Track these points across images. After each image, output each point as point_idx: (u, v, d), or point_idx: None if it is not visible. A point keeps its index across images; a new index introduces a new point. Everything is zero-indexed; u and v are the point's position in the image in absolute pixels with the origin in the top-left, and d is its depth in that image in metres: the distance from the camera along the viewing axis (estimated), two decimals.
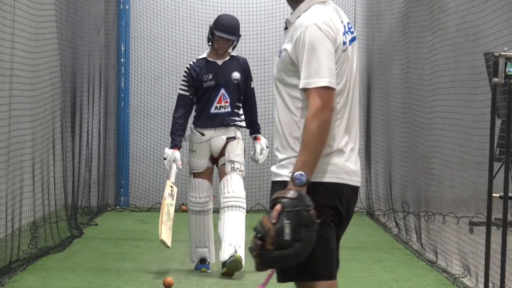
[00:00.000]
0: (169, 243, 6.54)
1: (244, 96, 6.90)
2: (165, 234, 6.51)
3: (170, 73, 11.29)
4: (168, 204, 6.68)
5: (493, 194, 5.59)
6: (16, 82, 7.14)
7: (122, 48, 11.43)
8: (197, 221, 6.82)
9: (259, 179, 11.47)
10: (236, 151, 6.80)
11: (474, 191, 7.04)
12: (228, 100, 6.79)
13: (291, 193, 3.03)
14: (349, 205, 3.23)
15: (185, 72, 6.84)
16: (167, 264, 7.21)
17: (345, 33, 3.23)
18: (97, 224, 9.66)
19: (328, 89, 3.10)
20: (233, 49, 6.86)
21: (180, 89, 6.87)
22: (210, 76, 6.75)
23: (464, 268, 6.75)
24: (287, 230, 2.93)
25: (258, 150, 7.05)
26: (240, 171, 6.79)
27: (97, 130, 10.59)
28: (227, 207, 6.62)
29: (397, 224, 9.26)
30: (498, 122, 6.08)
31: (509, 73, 5.20)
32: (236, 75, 6.80)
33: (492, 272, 5.74)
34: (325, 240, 3.12)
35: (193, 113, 6.95)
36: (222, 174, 6.78)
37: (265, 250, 2.95)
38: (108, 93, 10.97)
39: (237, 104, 6.86)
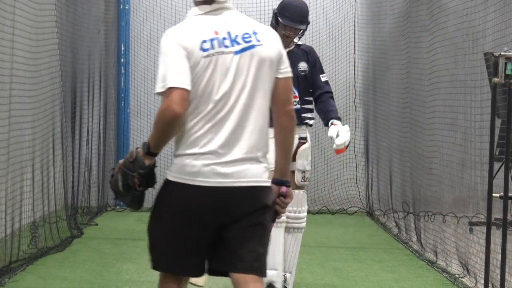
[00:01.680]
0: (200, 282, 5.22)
1: (314, 91, 5.96)
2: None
3: None
4: None
5: (493, 194, 5.59)
6: (16, 82, 7.14)
7: (122, 48, 11.44)
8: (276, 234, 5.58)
9: None
10: (308, 158, 5.93)
11: (474, 191, 7.04)
12: (297, 94, 5.87)
13: (130, 156, 3.52)
14: (227, 207, 3.39)
15: None
16: None
17: (221, 40, 3.42)
18: (97, 224, 9.66)
19: (172, 91, 3.33)
20: (299, 38, 5.90)
21: None
22: None
23: (464, 268, 6.75)
24: (119, 183, 3.49)
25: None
26: (308, 180, 5.94)
27: (97, 130, 10.59)
28: (290, 228, 5.83)
29: (397, 224, 9.26)
30: (498, 122, 6.08)
31: (509, 73, 5.20)
32: (303, 65, 5.91)
33: (492, 272, 5.75)
34: (165, 234, 3.45)
35: None
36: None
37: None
38: (108, 93, 10.97)
39: (306, 98, 5.93)
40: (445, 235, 7.55)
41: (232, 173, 3.41)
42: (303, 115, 5.86)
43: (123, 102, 11.46)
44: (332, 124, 5.83)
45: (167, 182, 3.46)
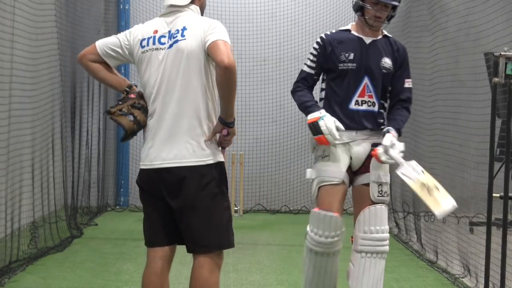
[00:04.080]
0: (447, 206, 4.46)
1: (392, 95, 4.93)
2: (438, 201, 4.46)
3: None
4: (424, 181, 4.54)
5: (493, 194, 5.59)
6: (16, 82, 7.13)
7: None
8: (316, 262, 4.90)
9: (259, 179, 11.48)
10: (385, 168, 4.84)
11: (474, 191, 7.04)
12: (373, 94, 4.85)
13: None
14: (157, 184, 4.03)
15: (317, 44, 4.92)
16: None
17: (158, 38, 3.99)
18: (97, 224, 9.66)
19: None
20: (388, 21, 4.94)
21: (305, 63, 4.96)
22: (351, 56, 4.84)
23: (464, 268, 6.74)
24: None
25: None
26: (387, 195, 4.88)
27: (97, 130, 10.60)
28: (368, 252, 4.80)
29: (397, 224, 9.25)
30: (498, 122, 6.07)
31: (509, 73, 5.20)
32: (387, 61, 4.87)
33: (492, 272, 5.75)
34: (144, 214, 4.29)
35: (320, 105, 4.94)
36: (362, 197, 4.88)
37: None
38: (108, 93, 10.97)
39: (382, 102, 4.90)
40: (445, 235, 7.55)
41: (157, 155, 4.00)
42: (379, 120, 4.86)
43: None
44: (388, 131, 4.71)
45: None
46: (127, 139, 4.19)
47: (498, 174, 6.07)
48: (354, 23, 5.02)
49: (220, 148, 4.06)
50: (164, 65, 3.96)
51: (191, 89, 3.93)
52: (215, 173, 3.99)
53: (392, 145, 4.64)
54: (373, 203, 4.79)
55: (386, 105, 4.92)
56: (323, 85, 4.96)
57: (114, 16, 11.35)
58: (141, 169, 4.11)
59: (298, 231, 9.55)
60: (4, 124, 6.75)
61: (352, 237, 4.87)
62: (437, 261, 7.39)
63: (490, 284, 5.79)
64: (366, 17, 4.87)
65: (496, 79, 5.30)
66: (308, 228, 4.87)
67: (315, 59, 4.90)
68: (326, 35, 4.93)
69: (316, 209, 4.86)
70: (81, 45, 9.62)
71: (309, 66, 4.93)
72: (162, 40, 3.98)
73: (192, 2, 4.08)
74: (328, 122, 4.70)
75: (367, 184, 4.81)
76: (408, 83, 4.93)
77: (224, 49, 3.84)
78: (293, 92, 4.98)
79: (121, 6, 11.53)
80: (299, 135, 11.63)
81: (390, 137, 4.66)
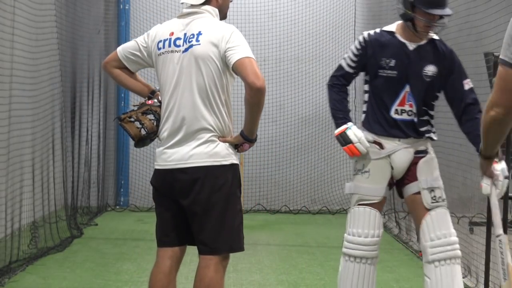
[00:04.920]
0: None
1: (456, 103, 4.69)
2: None
3: None
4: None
5: None
6: (16, 82, 7.13)
7: None
8: (355, 272, 4.66)
9: (259, 179, 11.48)
10: (434, 172, 4.68)
11: (475, 191, 7.04)
12: (413, 103, 4.64)
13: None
14: (171, 184, 3.99)
15: (358, 43, 4.71)
16: None
17: (173, 41, 3.98)
18: (97, 224, 9.65)
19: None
20: (442, 28, 4.65)
21: (344, 59, 4.77)
22: (392, 63, 4.62)
23: (465, 268, 6.74)
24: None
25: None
26: (443, 200, 4.67)
27: (97, 130, 10.60)
28: (440, 260, 4.58)
29: (398, 224, 9.25)
30: None
31: None
32: (430, 69, 4.63)
33: (492, 272, 5.74)
34: (156, 214, 4.15)
35: (363, 108, 4.82)
36: (418, 207, 4.67)
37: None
38: (108, 93, 10.97)
39: (425, 109, 4.70)
40: None
41: (170, 153, 3.99)
42: (421, 128, 4.67)
43: (123, 102, 11.45)
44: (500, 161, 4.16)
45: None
46: (139, 146, 4.18)
47: None
48: (398, 24, 4.72)
49: (235, 150, 4.07)
50: (179, 68, 3.95)
51: (205, 93, 3.93)
52: (230, 175, 3.98)
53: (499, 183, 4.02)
54: (430, 210, 4.61)
55: (432, 112, 4.74)
56: (366, 87, 4.76)
57: (114, 16, 11.35)
58: (155, 169, 4.10)
59: (298, 231, 9.57)
60: (4, 124, 6.75)
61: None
62: None
63: (490, 284, 5.79)
64: (417, 28, 4.59)
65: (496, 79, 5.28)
66: (345, 234, 4.71)
67: (356, 59, 4.70)
68: (369, 35, 4.70)
69: (356, 206, 4.71)
70: (81, 45, 9.64)
71: (348, 65, 4.73)
72: (178, 42, 3.98)
73: (207, 3, 4.03)
74: (357, 131, 4.64)
75: (419, 193, 4.64)
76: (467, 84, 4.67)
77: (253, 69, 3.83)
78: (330, 87, 4.77)
79: (121, 6, 11.53)
80: (299, 135, 11.64)
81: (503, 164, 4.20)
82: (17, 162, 7.25)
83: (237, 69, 3.87)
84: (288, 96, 11.64)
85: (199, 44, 3.92)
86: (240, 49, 3.87)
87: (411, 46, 4.64)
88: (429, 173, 4.63)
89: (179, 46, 3.96)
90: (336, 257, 7.88)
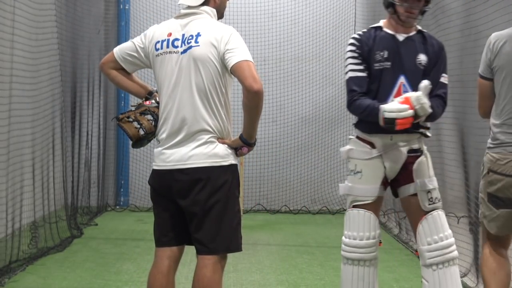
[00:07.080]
0: None
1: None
2: None
3: None
4: None
5: None
6: (16, 82, 7.13)
7: None
8: (354, 275, 4.65)
9: (259, 179, 11.48)
10: (429, 172, 4.62)
11: (475, 191, 7.03)
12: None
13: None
14: (169, 185, 3.99)
15: (352, 45, 4.62)
16: None
17: (171, 42, 3.97)
18: (97, 224, 9.66)
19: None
20: (422, 15, 4.64)
21: (350, 70, 4.62)
22: (386, 54, 4.59)
23: (465, 267, 6.74)
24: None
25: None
26: (439, 200, 4.61)
27: (97, 130, 10.60)
28: (438, 263, 4.53)
29: (398, 224, 9.26)
30: None
31: None
32: (422, 58, 4.63)
33: None
34: (154, 214, 4.17)
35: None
36: (414, 209, 4.62)
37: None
38: (108, 93, 10.98)
39: None
40: None
41: (169, 153, 4.00)
42: (415, 121, 4.52)
43: (123, 102, 11.46)
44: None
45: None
46: (137, 146, 4.19)
47: None
48: (384, 20, 4.71)
49: (234, 151, 4.09)
50: (178, 69, 3.95)
51: (204, 94, 3.93)
52: (229, 176, 3.99)
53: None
54: (426, 212, 4.56)
55: None
56: None
57: (114, 16, 11.35)
58: (154, 170, 4.10)
59: (298, 231, 9.57)
60: (4, 124, 6.75)
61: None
62: None
63: None
64: (399, 13, 4.57)
65: None
66: (343, 237, 4.72)
67: (359, 60, 4.60)
68: (359, 35, 4.66)
69: (350, 209, 4.73)
70: (81, 45, 9.64)
71: (355, 70, 4.60)
72: (176, 43, 3.97)
73: (205, 3, 4.04)
74: (388, 107, 4.42)
75: (415, 195, 4.57)
76: (444, 79, 4.74)
77: (250, 72, 3.84)
78: (350, 104, 4.65)
79: (121, 6, 11.53)
80: (299, 135, 11.64)
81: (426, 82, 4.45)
82: (17, 162, 7.25)
83: (235, 72, 3.88)
84: (288, 96, 11.64)
85: (198, 45, 3.92)
86: (238, 52, 3.88)
87: (400, 37, 4.64)
88: (425, 174, 4.58)
89: (177, 47, 3.96)
90: (336, 257, 7.90)
